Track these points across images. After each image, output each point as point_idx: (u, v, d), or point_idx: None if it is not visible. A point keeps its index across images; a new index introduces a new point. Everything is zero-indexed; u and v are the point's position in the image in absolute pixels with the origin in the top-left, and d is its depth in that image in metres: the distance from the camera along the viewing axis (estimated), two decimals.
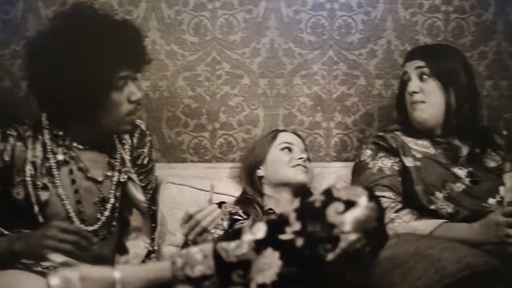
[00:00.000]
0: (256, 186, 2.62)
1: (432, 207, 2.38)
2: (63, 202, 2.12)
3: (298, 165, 2.59)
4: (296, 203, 2.53)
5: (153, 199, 2.53)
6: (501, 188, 2.36)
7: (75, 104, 2.06)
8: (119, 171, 2.26)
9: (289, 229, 1.61)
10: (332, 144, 2.97)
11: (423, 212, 2.36)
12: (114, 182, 2.24)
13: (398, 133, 2.56)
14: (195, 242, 2.06)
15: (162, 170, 2.66)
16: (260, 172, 2.64)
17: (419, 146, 2.51)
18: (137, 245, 2.30)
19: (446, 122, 2.51)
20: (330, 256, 1.58)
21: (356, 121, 2.97)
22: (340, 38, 2.92)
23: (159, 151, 2.85)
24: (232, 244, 1.64)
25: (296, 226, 1.61)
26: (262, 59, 2.89)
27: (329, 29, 2.91)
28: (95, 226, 2.18)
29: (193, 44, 2.85)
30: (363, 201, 1.60)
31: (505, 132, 2.41)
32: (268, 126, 2.91)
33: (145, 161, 2.39)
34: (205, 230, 2.09)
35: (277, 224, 1.64)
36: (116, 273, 1.68)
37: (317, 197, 1.66)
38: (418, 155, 2.48)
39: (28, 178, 2.11)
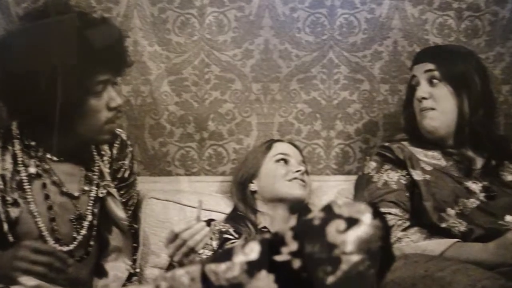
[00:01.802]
0: (249, 202, 2.63)
1: (443, 225, 2.39)
2: (36, 220, 2.12)
3: (295, 178, 2.60)
4: (293, 220, 2.57)
5: (134, 216, 2.53)
6: None
7: (49, 112, 2.06)
8: (97, 186, 2.26)
9: (285, 250, 1.62)
10: (332, 155, 2.98)
11: (433, 230, 2.37)
12: (91, 198, 2.24)
13: (405, 143, 2.57)
14: (181, 264, 2.07)
15: (144, 184, 2.67)
16: (253, 186, 2.65)
17: (429, 158, 2.52)
18: (117, 267, 2.30)
19: (458, 131, 2.52)
20: (331, 279, 1.58)
21: (359, 130, 2.99)
22: (342, 38, 2.93)
23: (141, 163, 2.86)
24: (222, 266, 1.65)
25: (293, 246, 1.62)
26: (255, 62, 2.90)
27: (329, 29, 2.93)
28: (71, 246, 2.18)
29: (179, 45, 2.86)
30: (366, 218, 1.61)
31: None
32: (262, 135, 2.92)
33: (126, 174, 2.39)
34: (192, 251, 2.10)
35: (272, 244, 1.65)
36: None
37: (316, 214, 1.66)
38: (428, 168, 2.49)
39: None
